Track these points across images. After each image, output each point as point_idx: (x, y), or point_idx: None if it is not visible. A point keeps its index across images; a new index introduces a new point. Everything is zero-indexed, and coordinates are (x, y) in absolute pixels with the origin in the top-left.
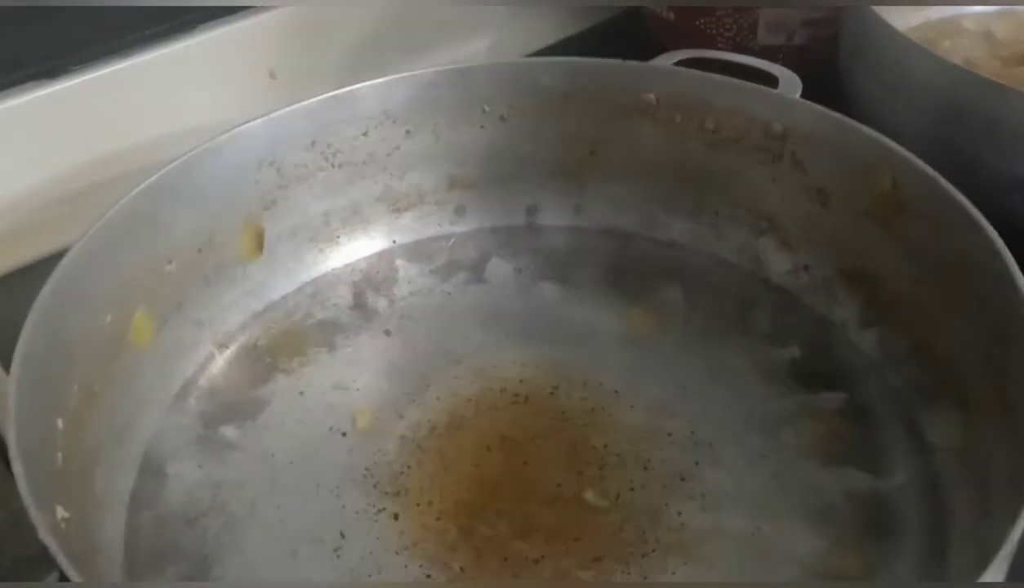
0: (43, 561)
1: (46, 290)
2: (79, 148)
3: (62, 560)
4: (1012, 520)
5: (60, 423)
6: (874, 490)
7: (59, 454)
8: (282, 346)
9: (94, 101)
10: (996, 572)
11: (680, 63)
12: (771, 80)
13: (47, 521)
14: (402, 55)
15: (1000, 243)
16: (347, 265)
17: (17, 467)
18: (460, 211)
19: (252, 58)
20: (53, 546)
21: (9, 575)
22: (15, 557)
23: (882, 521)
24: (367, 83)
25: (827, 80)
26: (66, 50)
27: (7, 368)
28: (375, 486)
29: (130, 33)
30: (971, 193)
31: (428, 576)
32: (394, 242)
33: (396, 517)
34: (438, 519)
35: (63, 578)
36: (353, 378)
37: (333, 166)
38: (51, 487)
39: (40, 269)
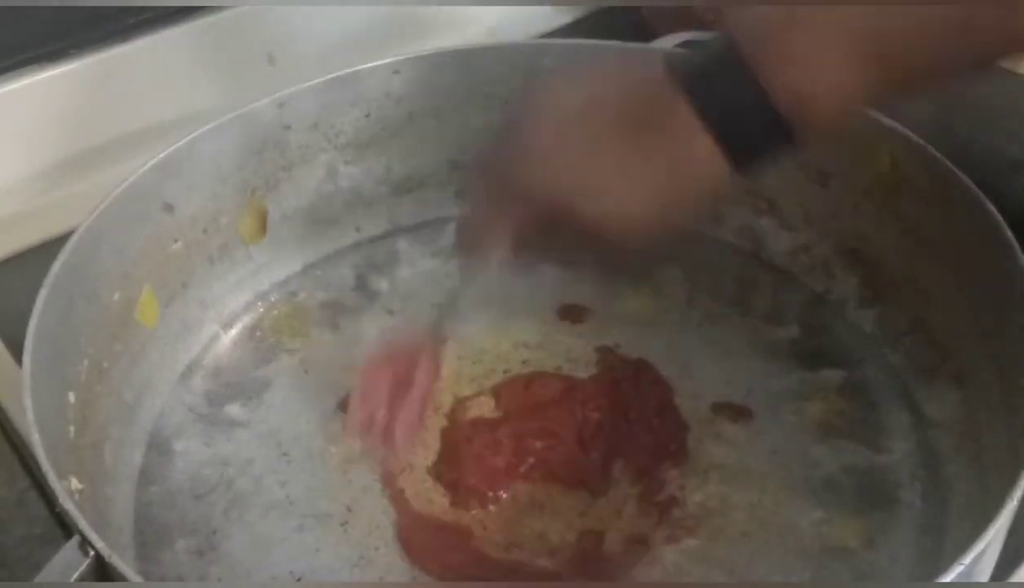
0: (49, 539)
1: (56, 266)
2: (81, 132)
3: (83, 525)
4: (1009, 492)
5: (72, 397)
6: (873, 464)
7: (71, 427)
8: (285, 326)
9: (95, 85)
10: (993, 544)
11: (681, 45)
12: None
13: (64, 489)
14: (400, 40)
15: (999, 217)
16: (350, 247)
17: (34, 436)
18: (461, 194)
19: (251, 43)
20: (73, 511)
21: (15, 553)
22: (21, 536)
23: (881, 494)
24: (370, 64)
25: None
26: (66, 34)
27: (9, 346)
28: (381, 462)
29: (130, 17)
30: (968, 175)
31: None
32: (396, 224)
33: (403, 491)
34: (444, 493)
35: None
36: (356, 358)
37: (336, 147)
38: (65, 458)
39: (47, 250)
